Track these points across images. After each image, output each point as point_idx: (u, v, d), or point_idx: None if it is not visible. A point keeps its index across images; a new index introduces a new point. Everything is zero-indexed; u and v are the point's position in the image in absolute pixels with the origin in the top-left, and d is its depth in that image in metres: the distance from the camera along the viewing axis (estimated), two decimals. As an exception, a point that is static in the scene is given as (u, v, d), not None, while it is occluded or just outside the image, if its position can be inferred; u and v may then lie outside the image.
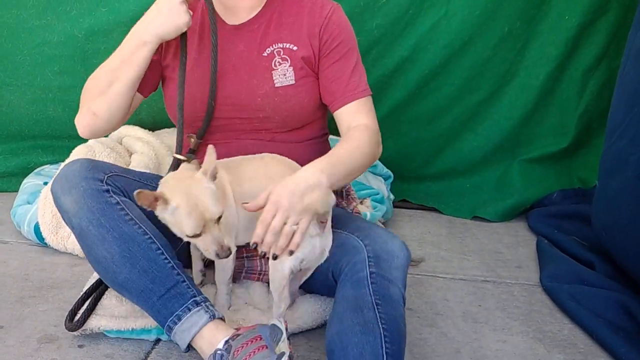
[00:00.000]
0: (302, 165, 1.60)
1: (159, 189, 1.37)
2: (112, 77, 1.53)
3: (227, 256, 1.36)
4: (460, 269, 2.09)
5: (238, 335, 1.35)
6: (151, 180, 1.60)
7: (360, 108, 1.60)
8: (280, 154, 1.61)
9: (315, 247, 1.45)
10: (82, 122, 1.59)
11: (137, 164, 2.14)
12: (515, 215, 2.52)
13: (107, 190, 1.42)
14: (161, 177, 1.52)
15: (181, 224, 1.33)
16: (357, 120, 1.59)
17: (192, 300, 1.40)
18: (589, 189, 2.48)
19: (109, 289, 1.59)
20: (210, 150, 1.40)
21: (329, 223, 1.46)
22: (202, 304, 1.40)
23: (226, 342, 1.34)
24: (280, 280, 1.46)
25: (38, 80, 2.39)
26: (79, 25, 2.32)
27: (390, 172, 2.47)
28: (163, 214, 1.35)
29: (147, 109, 2.34)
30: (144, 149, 2.21)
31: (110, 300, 1.56)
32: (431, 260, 2.14)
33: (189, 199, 1.33)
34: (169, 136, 2.35)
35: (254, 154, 1.61)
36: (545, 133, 2.56)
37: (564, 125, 2.55)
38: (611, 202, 2.00)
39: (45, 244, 2.06)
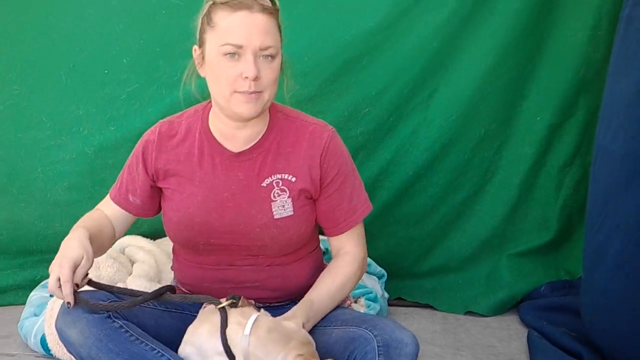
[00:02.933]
0: (298, 280, 1.75)
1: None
2: None
3: None
4: (454, 364, 2.15)
5: None
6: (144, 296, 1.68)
7: (352, 234, 1.75)
8: (277, 276, 1.74)
9: None
10: None
11: (139, 272, 2.24)
12: (507, 309, 2.58)
13: (109, 317, 1.52)
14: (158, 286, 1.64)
15: None
16: (348, 247, 1.75)
17: None
18: (575, 280, 2.56)
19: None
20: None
21: None
22: None
23: None
24: None
25: (48, 196, 2.52)
26: (90, 143, 2.48)
27: (384, 271, 2.56)
28: None
29: (148, 221, 2.45)
30: (145, 257, 2.33)
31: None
32: (425, 357, 2.18)
33: None
34: (170, 244, 2.46)
35: (252, 279, 1.72)
36: (529, 228, 2.67)
37: (546, 219, 2.66)
38: (596, 294, 2.08)
39: (52, 354, 2.12)
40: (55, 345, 2.09)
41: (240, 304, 1.57)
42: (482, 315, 2.54)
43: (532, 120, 2.58)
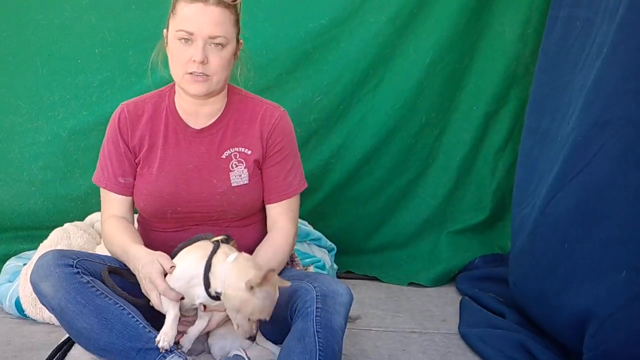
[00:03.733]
0: (246, 242, 1.94)
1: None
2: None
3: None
4: (392, 323, 2.39)
5: None
6: (111, 261, 1.86)
7: (287, 208, 1.95)
8: (233, 237, 1.88)
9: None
10: None
11: (107, 243, 2.44)
12: (446, 281, 2.84)
13: (78, 273, 1.69)
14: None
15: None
16: (281, 221, 1.94)
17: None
18: (505, 254, 2.82)
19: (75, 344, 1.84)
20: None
21: None
22: (175, 351, 1.66)
23: None
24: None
25: (24, 175, 2.70)
26: (64, 126, 2.68)
27: (333, 245, 2.79)
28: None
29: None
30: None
31: (77, 349, 1.83)
32: (367, 318, 2.43)
33: None
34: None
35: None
36: (466, 208, 2.95)
37: (481, 200, 2.94)
38: (516, 260, 2.36)
39: (26, 316, 2.31)
40: (29, 306, 2.29)
41: (231, 243, 1.77)
42: (423, 286, 2.80)
43: (469, 109, 2.86)
